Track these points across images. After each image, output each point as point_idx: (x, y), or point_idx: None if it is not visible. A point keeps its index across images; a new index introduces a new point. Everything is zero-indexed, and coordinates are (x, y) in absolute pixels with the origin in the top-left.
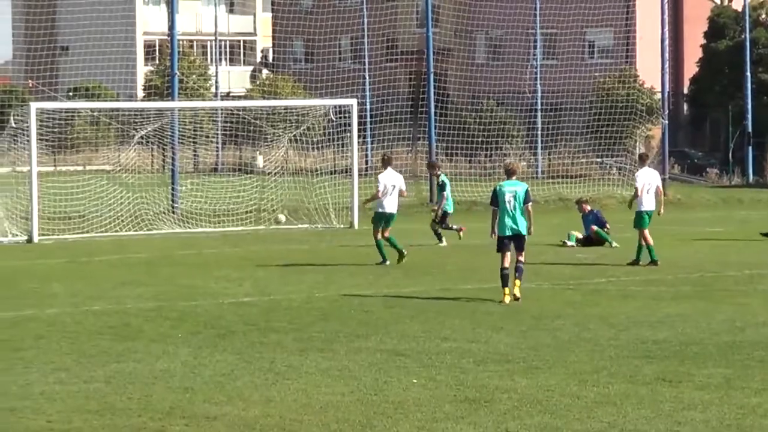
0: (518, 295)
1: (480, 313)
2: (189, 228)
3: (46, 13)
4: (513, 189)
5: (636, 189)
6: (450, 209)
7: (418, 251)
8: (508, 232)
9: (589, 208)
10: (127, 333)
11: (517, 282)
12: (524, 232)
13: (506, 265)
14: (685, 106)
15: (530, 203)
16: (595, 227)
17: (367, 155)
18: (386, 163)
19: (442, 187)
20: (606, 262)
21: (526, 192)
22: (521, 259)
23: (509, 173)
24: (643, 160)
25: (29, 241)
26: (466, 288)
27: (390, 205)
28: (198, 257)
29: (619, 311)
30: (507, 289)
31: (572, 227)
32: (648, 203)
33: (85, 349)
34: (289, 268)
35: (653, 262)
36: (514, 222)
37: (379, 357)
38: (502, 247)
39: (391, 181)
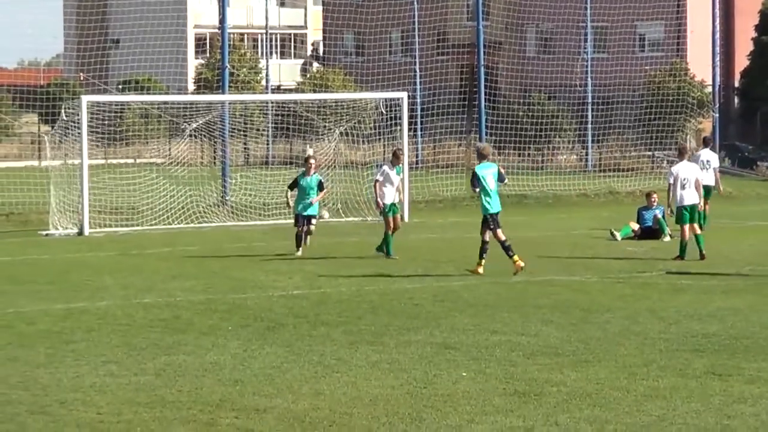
0: (522, 264)
1: (529, 306)
2: (240, 221)
3: (97, 6)
4: (489, 170)
5: (669, 185)
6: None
7: (465, 244)
8: (496, 209)
9: (656, 202)
10: (177, 326)
11: (516, 257)
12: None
13: (488, 239)
14: (736, 100)
15: (506, 180)
16: (659, 214)
17: (417, 149)
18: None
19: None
20: (656, 256)
21: (499, 171)
22: (503, 236)
23: (482, 156)
24: (681, 153)
25: (80, 233)
26: (516, 281)
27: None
28: (248, 250)
29: (669, 305)
30: (484, 261)
31: (623, 220)
32: (689, 197)
33: (135, 342)
34: (339, 260)
35: (701, 255)
36: (497, 200)
37: (429, 350)
38: (493, 224)
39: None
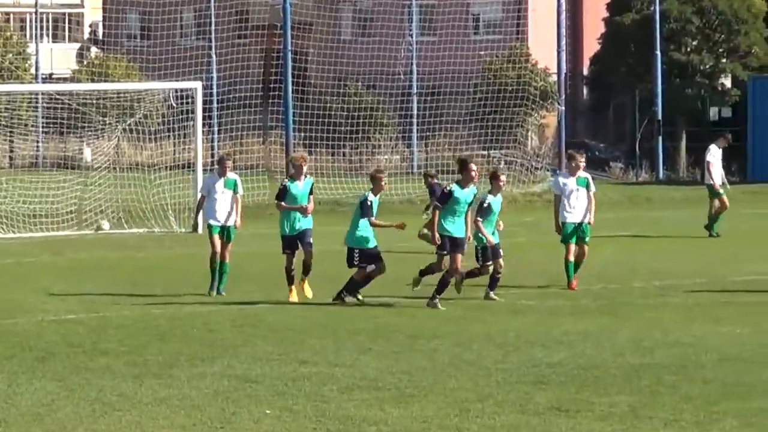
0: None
1: (344, 331)
2: (3, 233)
3: None
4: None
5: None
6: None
7: (268, 259)
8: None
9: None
10: None
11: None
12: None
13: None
14: (585, 90)
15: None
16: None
17: (213, 147)
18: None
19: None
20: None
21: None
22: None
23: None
24: (570, 159)
25: None
26: (329, 302)
27: None
28: (15, 267)
29: (507, 328)
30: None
31: None
32: (572, 213)
33: None
34: (122, 279)
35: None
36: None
37: (227, 384)
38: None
39: None
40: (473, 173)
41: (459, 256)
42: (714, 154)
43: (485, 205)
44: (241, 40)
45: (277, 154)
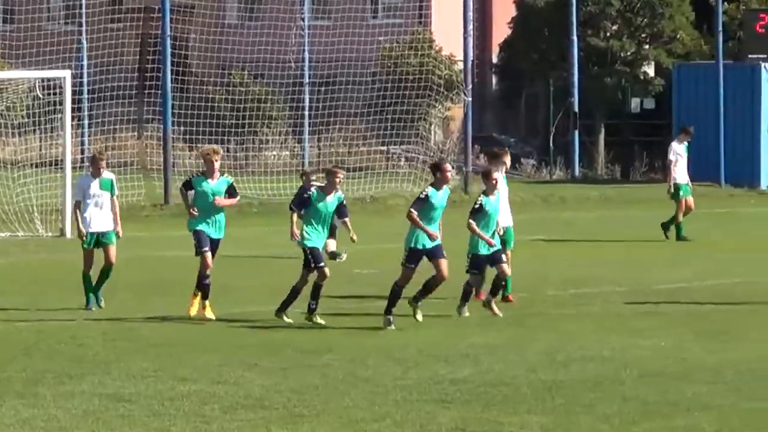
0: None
1: (228, 346)
2: None
3: None
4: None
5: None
6: None
7: (156, 266)
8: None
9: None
10: None
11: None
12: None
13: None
14: (494, 80)
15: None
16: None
17: (83, 142)
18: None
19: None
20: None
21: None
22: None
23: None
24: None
25: None
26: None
27: None
28: None
29: (407, 342)
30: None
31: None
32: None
33: None
34: None
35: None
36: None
37: (97, 403)
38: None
39: None
40: (448, 174)
41: (443, 261)
42: (677, 152)
43: (477, 205)
44: (115, 24)
45: (154, 150)
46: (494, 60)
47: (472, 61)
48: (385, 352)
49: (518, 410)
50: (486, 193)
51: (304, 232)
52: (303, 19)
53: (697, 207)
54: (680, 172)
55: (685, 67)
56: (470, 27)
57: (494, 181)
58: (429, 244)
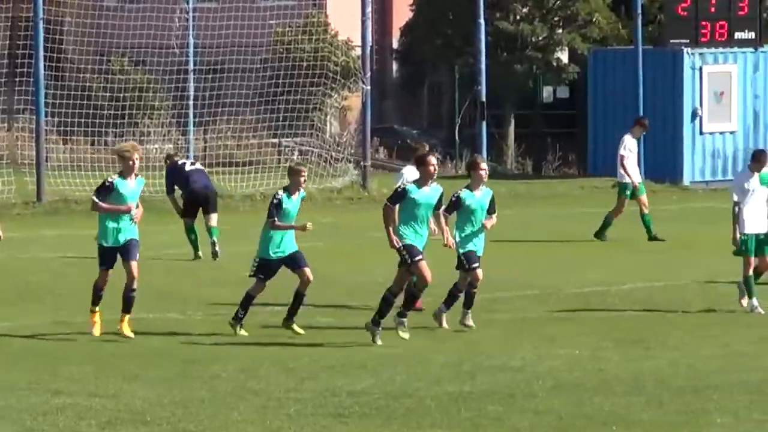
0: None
1: (108, 356)
2: None
3: None
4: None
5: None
6: None
7: (27, 269)
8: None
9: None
10: None
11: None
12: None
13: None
14: (395, 66)
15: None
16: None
17: None
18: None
19: None
20: (289, 281)
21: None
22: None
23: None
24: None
25: None
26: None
27: None
28: None
29: (301, 352)
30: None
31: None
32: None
33: None
34: None
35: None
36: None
37: None
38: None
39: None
40: (432, 168)
41: (423, 264)
42: (628, 146)
43: (454, 197)
44: None
45: (26, 143)
46: (395, 45)
47: (371, 46)
48: (277, 363)
49: (422, 424)
50: (470, 187)
51: (270, 239)
52: (187, 1)
53: (612, 205)
54: (631, 168)
55: (602, 52)
56: (369, 10)
57: (481, 173)
58: (420, 245)
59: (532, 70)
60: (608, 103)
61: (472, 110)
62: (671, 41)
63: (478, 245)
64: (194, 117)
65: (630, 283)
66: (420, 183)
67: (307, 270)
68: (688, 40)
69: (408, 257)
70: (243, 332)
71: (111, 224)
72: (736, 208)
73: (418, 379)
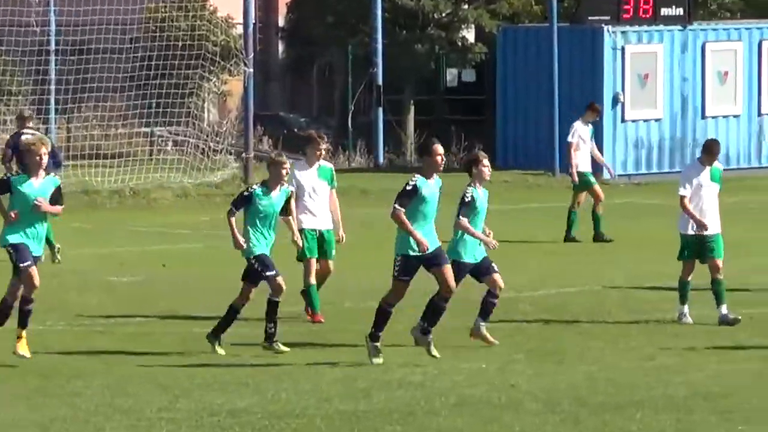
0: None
1: None
2: None
3: None
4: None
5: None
6: None
7: None
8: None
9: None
10: None
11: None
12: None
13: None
14: (281, 47)
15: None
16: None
17: None
18: None
19: None
20: (162, 287)
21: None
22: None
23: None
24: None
25: None
26: None
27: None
28: None
29: (176, 366)
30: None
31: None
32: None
33: None
34: None
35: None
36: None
37: None
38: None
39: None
40: (439, 158)
41: (447, 268)
42: (579, 134)
43: (467, 199)
44: None
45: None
46: (281, 23)
47: (254, 24)
48: (148, 378)
49: None
50: (473, 184)
51: (249, 238)
52: None
53: (526, 201)
54: (582, 159)
55: (512, 31)
56: None
57: (484, 169)
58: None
59: (434, 51)
60: (519, 87)
61: (367, 95)
62: (590, 18)
63: (480, 251)
64: (56, 103)
65: (543, 289)
66: (426, 174)
67: (279, 278)
68: (608, 17)
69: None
70: (221, 350)
71: (18, 226)
72: (686, 202)
73: (307, 397)
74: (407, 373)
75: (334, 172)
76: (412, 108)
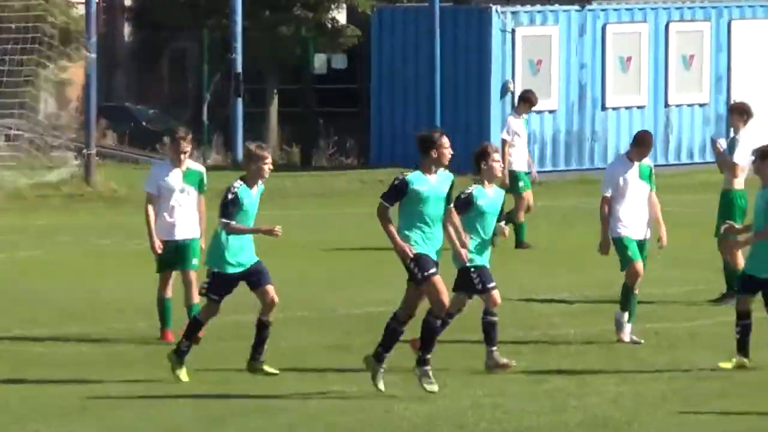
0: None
1: None
2: None
3: None
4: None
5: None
6: None
7: None
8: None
9: None
10: None
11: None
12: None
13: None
14: (128, 30)
15: None
16: None
17: None
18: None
19: None
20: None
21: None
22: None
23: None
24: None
25: None
26: None
27: None
28: None
29: (8, 390)
30: None
31: None
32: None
33: None
34: None
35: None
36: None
37: None
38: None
39: None
40: (446, 151)
41: (438, 280)
42: (513, 129)
43: (463, 196)
44: None
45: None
46: (127, 2)
47: (97, 3)
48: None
49: None
50: (481, 182)
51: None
52: None
53: None
54: (518, 157)
55: (388, 11)
56: None
57: (494, 164)
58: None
59: (300, 34)
60: (396, 75)
61: (225, 84)
62: None
63: (486, 260)
64: None
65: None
66: (424, 170)
67: (271, 288)
68: None
69: (418, 271)
70: (184, 376)
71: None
72: (606, 206)
73: (152, 426)
74: (268, 397)
75: (204, 176)
76: (276, 99)
